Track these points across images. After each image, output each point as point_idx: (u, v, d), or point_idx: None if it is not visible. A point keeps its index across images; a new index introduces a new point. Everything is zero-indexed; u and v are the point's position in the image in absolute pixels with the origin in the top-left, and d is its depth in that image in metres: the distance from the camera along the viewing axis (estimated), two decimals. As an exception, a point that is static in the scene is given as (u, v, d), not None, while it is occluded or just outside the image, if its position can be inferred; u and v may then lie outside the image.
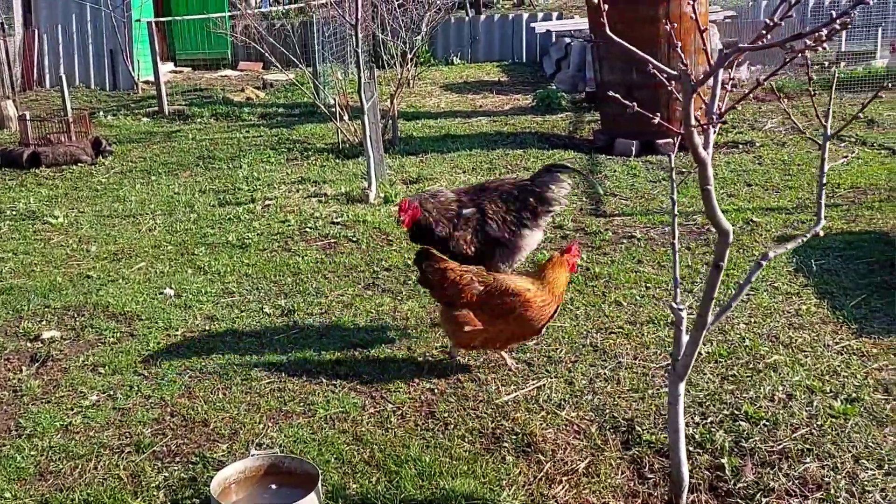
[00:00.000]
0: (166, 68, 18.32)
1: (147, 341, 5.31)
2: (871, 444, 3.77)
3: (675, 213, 3.44)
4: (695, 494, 3.58)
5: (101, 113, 14.12)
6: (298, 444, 4.01)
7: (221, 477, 3.52)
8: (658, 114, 2.92)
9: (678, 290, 3.33)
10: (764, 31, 2.35)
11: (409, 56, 12.47)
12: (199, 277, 6.44)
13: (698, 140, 2.74)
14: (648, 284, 5.77)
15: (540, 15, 18.98)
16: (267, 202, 8.43)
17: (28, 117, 11.58)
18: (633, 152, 9.40)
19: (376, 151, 8.78)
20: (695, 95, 2.62)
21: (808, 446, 3.78)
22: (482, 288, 4.54)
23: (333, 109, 10.50)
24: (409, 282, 6.01)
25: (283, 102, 14.58)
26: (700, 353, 4.58)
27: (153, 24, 14.51)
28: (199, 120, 13.34)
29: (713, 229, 6.52)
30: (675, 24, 8.85)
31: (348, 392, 4.51)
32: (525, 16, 18.88)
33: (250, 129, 12.47)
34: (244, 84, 16.68)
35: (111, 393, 4.65)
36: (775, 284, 5.63)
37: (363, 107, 8.40)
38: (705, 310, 3.08)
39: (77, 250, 7.30)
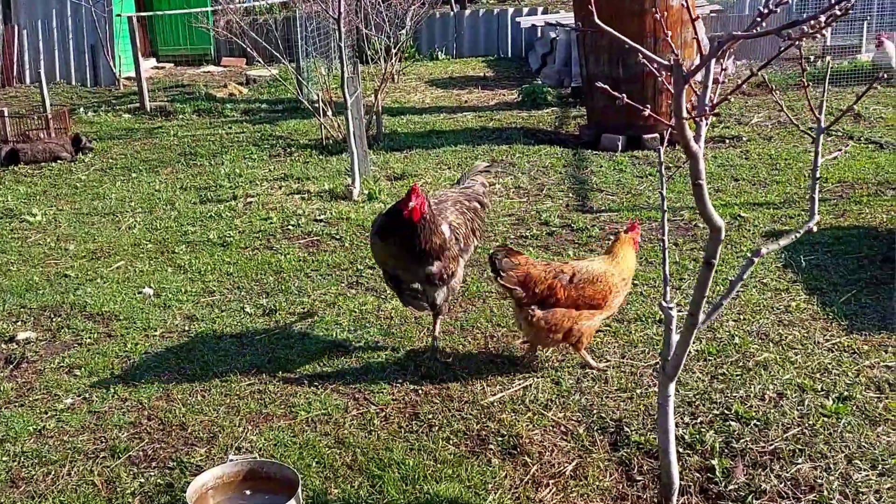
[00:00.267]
0: (148, 64, 18.10)
1: (125, 342, 5.19)
2: (864, 443, 3.70)
3: (665, 209, 3.35)
4: (685, 497, 3.50)
5: (82, 109, 13.91)
6: (279, 448, 3.91)
7: (198, 483, 3.41)
8: (647, 106, 2.83)
9: (668, 289, 3.24)
10: (759, 19, 2.26)
11: (394, 51, 12.35)
12: (179, 276, 6.31)
13: (690, 133, 2.65)
14: (636, 281, 5.67)
15: (525, 10, 18.88)
16: (249, 199, 8.30)
17: (6, 114, 11.38)
18: (620, 147, 9.31)
19: (360, 148, 8.66)
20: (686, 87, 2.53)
21: (800, 446, 3.71)
22: (568, 278, 4.39)
23: (317, 105, 10.36)
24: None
25: (266, 98, 14.41)
26: (689, 352, 4.49)
27: (134, 19, 14.30)
28: (181, 116, 13.16)
29: (700, 225, 6.49)
30: (663, 17, 8.78)
31: (330, 393, 4.41)
32: (510, 10, 18.77)
33: (233, 125, 12.31)
34: (227, 80, 16.49)
35: (87, 396, 4.53)
36: (764, 280, 5.55)
37: (346, 102, 8.28)
38: (696, 309, 2.99)
39: (55, 249, 7.16)
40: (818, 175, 3.15)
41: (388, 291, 5.72)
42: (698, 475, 3.61)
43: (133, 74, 14.62)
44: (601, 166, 8.71)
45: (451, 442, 3.91)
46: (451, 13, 19.07)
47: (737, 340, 4.73)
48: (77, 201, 8.71)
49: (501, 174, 8.61)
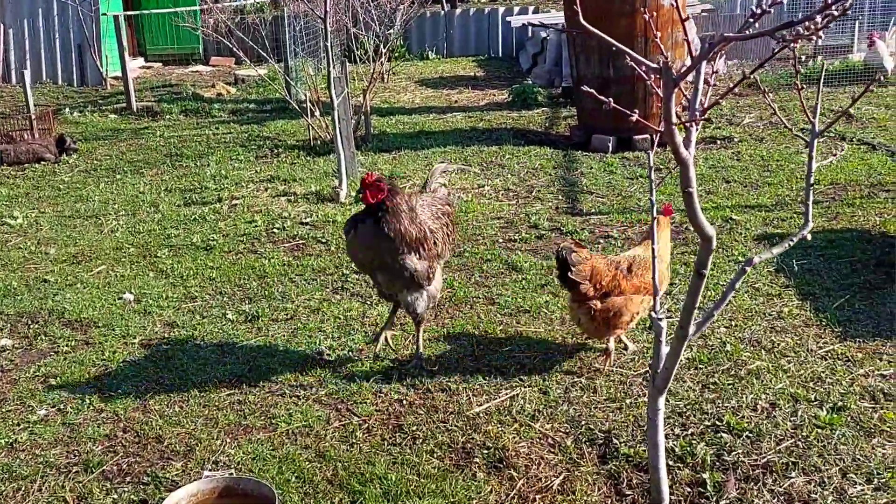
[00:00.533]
0: (136, 63, 17.95)
1: (103, 350, 5.06)
2: (858, 456, 3.60)
3: (654, 215, 3.24)
4: (676, 512, 3.39)
5: (68, 109, 13.75)
6: (257, 462, 3.79)
7: (172, 501, 3.29)
8: (636, 110, 2.72)
9: (657, 299, 3.13)
10: (751, 20, 2.15)
11: (384, 50, 12.22)
12: (161, 281, 6.18)
13: (680, 138, 2.54)
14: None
15: (516, 9, 18.78)
16: (234, 202, 8.17)
17: (-11, 114, 11.23)
18: (610, 149, 9.21)
19: (347, 149, 8.54)
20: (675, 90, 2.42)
21: (793, 459, 3.61)
22: (626, 268, 4.40)
23: (305, 105, 10.24)
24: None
25: (254, 98, 14.27)
26: (680, 360, 4.39)
27: (120, 18, 14.15)
28: (168, 116, 13.02)
29: (692, 228, 6.37)
30: (651, 17, 8.68)
31: (312, 404, 4.29)
32: (501, 10, 18.66)
33: (220, 125, 12.17)
34: (215, 80, 16.34)
35: (62, 407, 4.40)
36: (756, 286, 5.45)
37: (333, 103, 8.16)
38: (687, 320, 2.88)
39: (35, 253, 7.02)
40: (812, 181, 3.05)
41: (373, 297, 5.61)
42: (689, 489, 3.51)
43: (120, 74, 14.47)
44: (591, 168, 8.61)
45: (435, 455, 3.80)
46: (442, 12, 18.96)
47: (728, 348, 4.63)
48: (60, 204, 8.57)
49: (491, 176, 8.50)
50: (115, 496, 3.61)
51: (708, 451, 3.70)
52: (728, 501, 3.41)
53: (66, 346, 5.15)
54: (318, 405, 4.28)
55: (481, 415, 4.12)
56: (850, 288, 5.34)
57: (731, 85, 2.61)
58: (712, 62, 2.66)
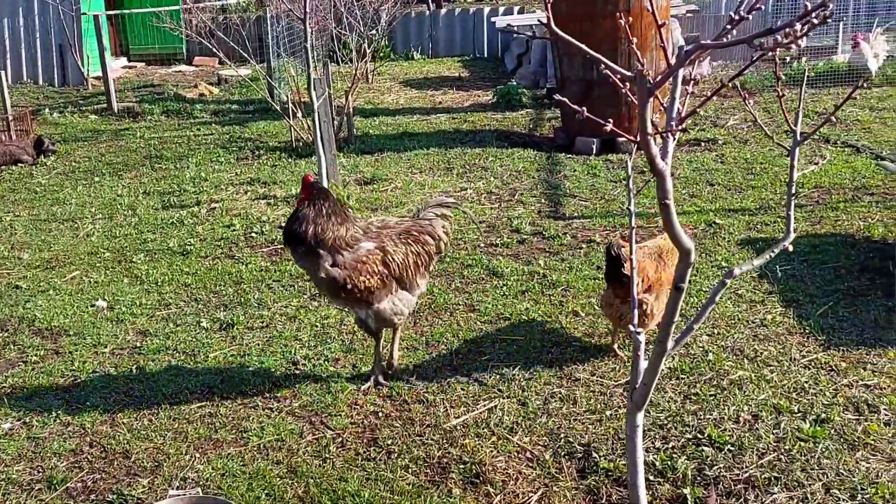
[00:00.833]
0: (119, 63, 17.76)
1: (72, 360, 4.94)
2: (842, 471, 3.52)
3: (634, 226, 3.15)
4: (655, 530, 3.31)
5: (48, 110, 13.57)
6: (226, 479, 3.68)
7: (135, 521, 3.18)
8: (610, 120, 2.63)
9: (636, 312, 3.04)
10: (729, 27, 2.06)
11: (368, 50, 12.10)
12: (136, 287, 6.06)
13: (656, 149, 2.45)
14: (608, 293, 5.49)
15: (501, 9, 18.68)
16: (213, 205, 8.05)
17: (-35, 116, 11.06)
18: (594, 151, 9.13)
19: (329, 151, 8.43)
20: (652, 98, 2.33)
21: (775, 474, 3.53)
22: (661, 260, 4.49)
23: (287, 107, 10.11)
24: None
25: (237, 99, 14.13)
26: (662, 370, 4.31)
27: (100, 17, 13.97)
28: (149, 117, 12.86)
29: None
30: (635, 19, 8.60)
31: (285, 417, 4.18)
32: (486, 10, 18.56)
33: (202, 126, 12.03)
34: (198, 80, 16.17)
35: (27, 420, 4.28)
36: (739, 292, 5.38)
37: (314, 104, 8.04)
38: (665, 336, 2.79)
39: (8, 258, 6.88)
40: (794, 191, 2.96)
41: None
42: (669, 505, 3.42)
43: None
44: (575, 170, 8.52)
45: (409, 471, 3.70)
46: (427, 12, 18.83)
47: (711, 357, 4.55)
48: (35, 207, 8.42)
49: (473, 179, 8.41)
50: (79, 515, 3.51)
51: (689, 465, 3.62)
52: (709, 518, 3.33)
53: (35, 355, 5.02)
54: (292, 418, 4.18)
55: (459, 427, 4.03)
56: (833, 294, 5.28)
57: (710, 93, 2.52)
58: (691, 67, 2.57)
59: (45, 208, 8.34)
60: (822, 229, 6.44)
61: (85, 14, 15.26)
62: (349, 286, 4.22)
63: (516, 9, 18.63)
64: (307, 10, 7.68)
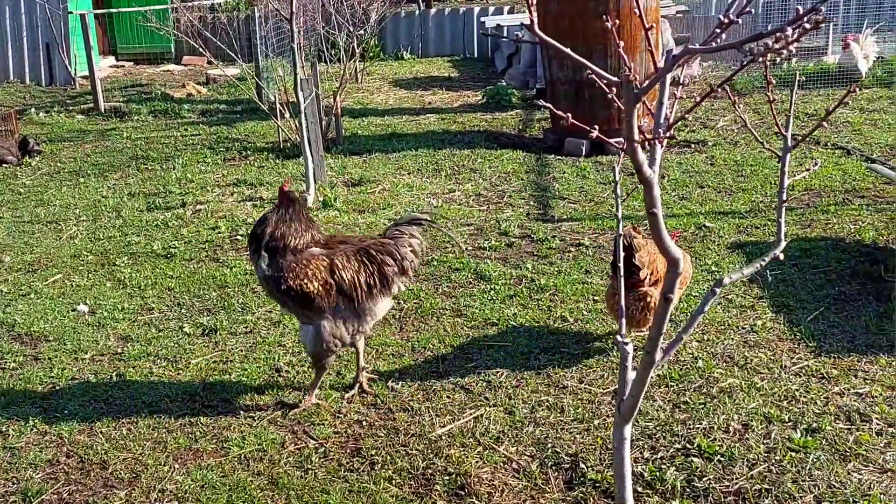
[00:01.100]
0: (107, 63, 17.63)
1: (51, 366, 4.84)
2: (833, 482, 3.46)
3: (620, 233, 3.08)
4: (643, 543, 3.24)
5: (34, 110, 13.44)
6: (206, 491, 3.59)
7: (110, 537, 3.10)
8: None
9: (623, 321, 2.97)
10: (718, 30, 1.99)
11: (357, 50, 12.01)
12: (118, 291, 5.97)
13: (643, 157, 2.38)
14: (596, 297, 5.43)
15: (491, 9, 18.61)
16: (198, 207, 7.95)
17: (-51, 115, 10.91)
18: (584, 152, 9.06)
19: (316, 152, 8.35)
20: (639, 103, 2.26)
21: (766, 486, 3.46)
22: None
23: (275, 107, 10.02)
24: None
25: (225, 99, 14.01)
26: (651, 377, 4.24)
27: (87, 16, 13.85)
28: (136, 117, 12.74)
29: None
30: (625, 20, 8.54)
31: (267, 426, 4.10)
32: (476, 10, 18.49)
33: (189, 126, 11.92)
34: (187, 80, 16.05)
35: (3, 429, 4.18)
36: (729, 297, 5.32)
37: (300, 105, 7.97)
38: (653, 347, 2.72)
39: (-11, 261, 6.78)
40: (784, 197, 2.90)
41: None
42: (658, 518, 3.35)
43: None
44: (564, 172, 8.45)
45: (393, 482, 3.62)
46: (417, 12, 18.76)
47: (700, 364, 4.48)
48: (19, 208, 8.31)
49: (462, 181, 8.33)
50: (53, 529, 3.42)
51: (678, 476, 3.55)
52: (698, 531, 3.26)
53: (14, 362, 4.93)
54: (274, 427, 4.10)
55: (444, 437, 3.95)
56: (824, 299, 5.22)
57: (699, 97, 2.45)
58: (680, 70, 2.51)
59: (28, 210, 8.23)
60: (812, 233, 6.39)
61: (72, 13, 15.11)
62: (283, 286, 4.06)
63: (506, 8, 18.57)
64: (294, 9, 7.61)
